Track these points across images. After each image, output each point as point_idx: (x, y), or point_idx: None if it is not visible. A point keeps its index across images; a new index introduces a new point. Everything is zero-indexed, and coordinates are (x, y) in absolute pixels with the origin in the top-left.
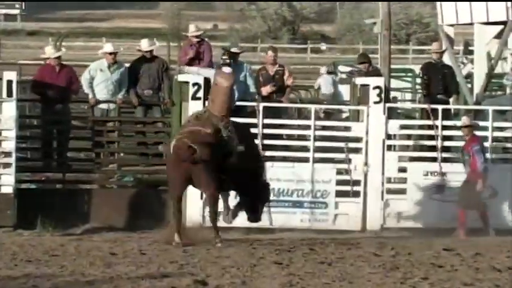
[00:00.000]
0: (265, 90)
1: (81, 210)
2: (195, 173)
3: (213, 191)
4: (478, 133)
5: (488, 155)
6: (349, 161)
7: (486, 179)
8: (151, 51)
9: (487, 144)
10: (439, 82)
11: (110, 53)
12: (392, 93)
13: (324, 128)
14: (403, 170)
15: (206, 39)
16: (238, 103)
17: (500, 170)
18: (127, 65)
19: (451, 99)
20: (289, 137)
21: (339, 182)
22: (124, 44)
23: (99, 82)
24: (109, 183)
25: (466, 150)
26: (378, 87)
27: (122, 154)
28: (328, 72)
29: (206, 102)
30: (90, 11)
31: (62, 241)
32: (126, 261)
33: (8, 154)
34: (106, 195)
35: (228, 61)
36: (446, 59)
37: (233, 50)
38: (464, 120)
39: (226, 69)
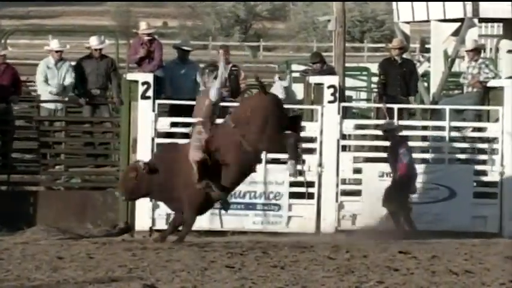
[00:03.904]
0: None
1: (26, 213)
2: None
3: None
4: (436, 133)
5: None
6: (302, 161)
7: (415, 180)
8: (100, 49)
9: (443, 144)
10: (397, 81)
11: (56, 51)
12: (347, 92)
13: None
14: (358, 171)
15: (156, 37)
16: (188, 102)
17: (457, 170)
18: (73, 63)
19: (411, 98)
20: None
21: (293, 184)
22: (71, 42)
23: (48, 81)
24: (55, 184)
25: (392, 154)
26: (332, 86)
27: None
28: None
29: (156, 102)
30: (35, 8)
31: (7, 245)
32: (74, 266)
33: None
34: (52, 197)
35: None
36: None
37: (184, 48)
38: (384, 124)
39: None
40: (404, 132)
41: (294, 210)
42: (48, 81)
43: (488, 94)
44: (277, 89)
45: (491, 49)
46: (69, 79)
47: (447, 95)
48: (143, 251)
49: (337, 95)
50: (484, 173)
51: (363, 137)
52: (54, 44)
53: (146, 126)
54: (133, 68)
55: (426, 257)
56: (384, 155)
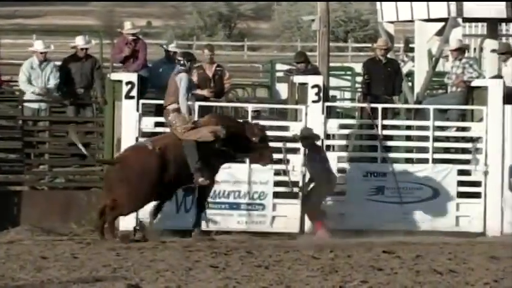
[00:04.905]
0: (203, 94)
1: (11, 213)
2: None
3: None
4: (420, 133)
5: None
6: (287, 161)
7: (332, 184)
8: (86, 49)
9: (427, 143)
10: (381, 81)
11: (41, 52)
12: (331, 92)
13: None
14: (342, 170)
15: (141, 36)
16: None
17: (441, 170)
18: (58, 63)
19: (395, 98)
20: None
21: (277, 183)
22: (55, 42)
23: (31, 81)
24: (39, 184)
25: (311, 159)
26: (316, 85)
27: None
28: None
29: (140, 102)
30: (20, 7)
31: None
32: (58, 265)
33: None
34: (36, 197)
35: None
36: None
37: (171, 48)
38: (302, 131)
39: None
40: (389, 132)
41: (278, 209)
42: (31, 82)
43: (472, 94)
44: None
45: (475, 49)
46: (53, 80)
47: (431, 95)
48: (127, 250)
49: (321, 94)
50: (468, 172)
51: (347, 136)
52: (38, 45)
53: (130, 126)
54: (118, 67)
55: (410, 257)
56: (369, 154)
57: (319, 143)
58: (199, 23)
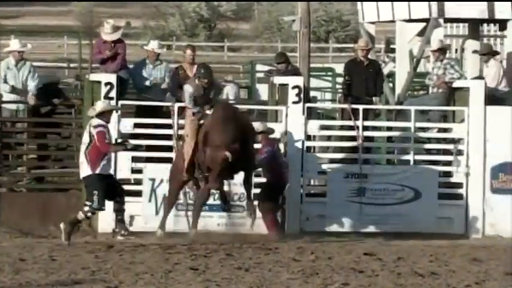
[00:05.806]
0: None
1: None
2: None
3: None
4: (401, 134)
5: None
6: None
7: (285, 180)
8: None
9: (409, 145)
10: (362, 82)
11: (18, 52)
12: (312, 93)
13: None
14: (323, 172)
15: (119, 37)
16: (153, 103)
17: (422, 171)
18: (35, 63)
19: (375, 99)
20: None
21: (257, 185)
22: (34, 42)
23: (7, 81)
24: (18, 186)
25: (261, 153)
26: (296, 86)
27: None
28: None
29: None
30: None
31: None
32: (36, 268)
33: None
34: (15, 198)
35: None
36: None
37: (157, 51)
38: (257, 126)
39: None
40: (370, 133)
41: (259, 212)
42: (7, 82)
43: (453, 95)
44: (231, 90)
45: (456, 49)
46: (32, 81)
47: (412, 96)
48: (106, 253)
49: (302, 95)
50: (449, 174)
51: (328, 137)
52: (15, 44)
53: (109, 126)
54: (97, 67)
55: (391, 259)
56: (350, 155)
57: (273, 136)
58: (181, 27)
